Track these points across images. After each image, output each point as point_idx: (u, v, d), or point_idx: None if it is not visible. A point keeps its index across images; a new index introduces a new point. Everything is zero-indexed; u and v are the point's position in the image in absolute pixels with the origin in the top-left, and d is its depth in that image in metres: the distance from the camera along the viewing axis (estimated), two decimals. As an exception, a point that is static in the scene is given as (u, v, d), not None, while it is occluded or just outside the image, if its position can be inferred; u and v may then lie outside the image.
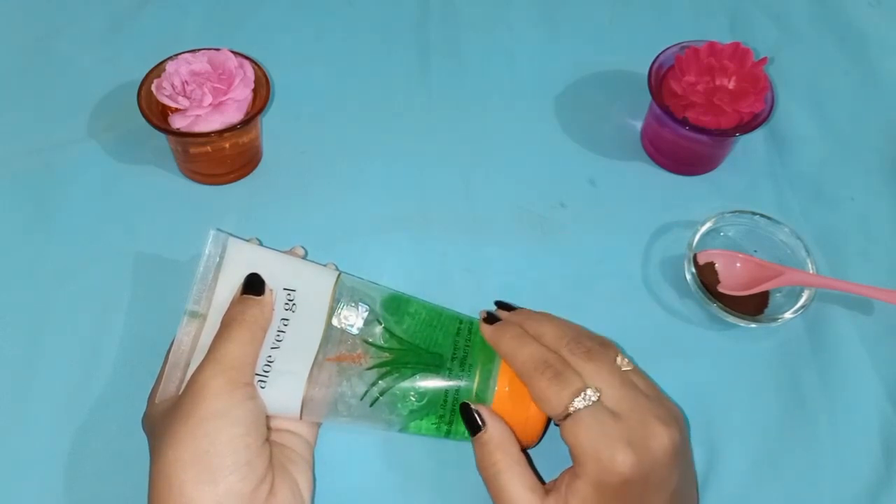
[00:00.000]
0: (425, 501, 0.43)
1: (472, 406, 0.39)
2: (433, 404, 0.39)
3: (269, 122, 0.57)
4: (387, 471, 0.43)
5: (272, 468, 0.37)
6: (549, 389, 0.37)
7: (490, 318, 0.41)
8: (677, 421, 0.38)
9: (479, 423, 0.38)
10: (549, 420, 0.40)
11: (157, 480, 0.34)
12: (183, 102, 0.49)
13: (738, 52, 0.52)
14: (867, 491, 0.44)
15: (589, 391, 0.37)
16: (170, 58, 0.51)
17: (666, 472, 0.36)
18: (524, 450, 0.39)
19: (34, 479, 0.42)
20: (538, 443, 0.41)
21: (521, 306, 0.43)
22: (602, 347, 0.39)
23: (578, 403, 0.36)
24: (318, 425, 0.43)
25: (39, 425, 0.44)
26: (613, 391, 0.37)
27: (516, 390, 0.39)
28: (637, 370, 0.40)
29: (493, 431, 0.38)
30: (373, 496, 0.43)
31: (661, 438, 0.36)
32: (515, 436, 0.39)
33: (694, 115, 0.52)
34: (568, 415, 0.36)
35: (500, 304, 0.43)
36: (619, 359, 0.39)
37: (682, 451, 0.38)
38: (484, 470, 0.38)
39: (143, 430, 0.39)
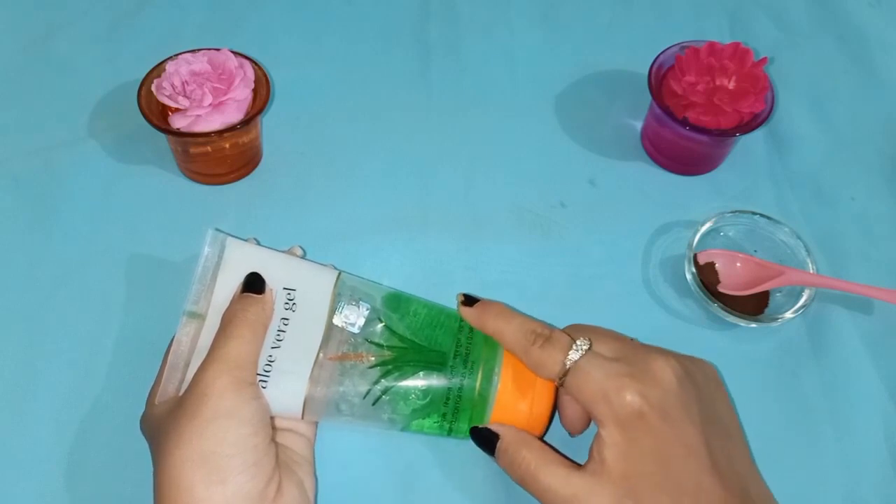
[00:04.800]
0: (425, 501, 0.43)
1: (478, 427, 0.39)
2: (436, 403, 0.39)
3: (269, 122, 0.57)
4: (387, 470, 0.43)
5: (278, 467, 0.37)
6: (543, 354, 0.38)
7: (468, 300, 0.41)
8: (683, 359, 0.39)
9: (490, 437, 0.39)
10: (553, 411, 0.40)
11: (164, 481, 0.34)
12: (183, 102, 0.49)
13: (738, 52, 0.52)
14: (875, 491, 0.44)
15: (578, 342, 0.38)
16: (170, 58, 0.51)
17: (681, 399, 0.37)
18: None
19: (34, 479, 0.42)
20: (544, 434, 0.41)
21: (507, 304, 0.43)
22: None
23: (573, 355, 0.37)
24: (317, 424, 0.43)
25: (39, 425, 0.44)
26: (605, 342, 0.39)
27: (519, 386, 0.39)
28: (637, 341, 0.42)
29: (507, 437, 0.38)
30: (373, 496, 0.43)
31: (660, 366, 0.37)
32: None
33: (694, 115, 0.52)
34: (566, 372, 0.37)
35: (466, 301, 0.42)
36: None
37: (690, 382, 0.38)
38: (515, 472, 0.38)
39: (142, 432, 0.39)
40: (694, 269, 0.49)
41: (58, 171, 0.54)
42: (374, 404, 0.39)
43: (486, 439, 0.39)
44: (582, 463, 0.37)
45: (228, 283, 0.40)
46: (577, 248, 0.53)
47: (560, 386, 0.38)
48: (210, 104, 0.48)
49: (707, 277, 0.50)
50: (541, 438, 0.41)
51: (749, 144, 0.59)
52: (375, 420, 0.40)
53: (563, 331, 0.40)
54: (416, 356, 0.39)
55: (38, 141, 0.55)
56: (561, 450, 0.40)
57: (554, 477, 0.36)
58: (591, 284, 0.51)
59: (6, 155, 0.55)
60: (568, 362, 0.37)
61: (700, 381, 0.39)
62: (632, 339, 0.41)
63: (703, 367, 0.41)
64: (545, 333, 0.39)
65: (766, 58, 0.52)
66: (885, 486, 0.44)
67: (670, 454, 0.36)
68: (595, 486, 0.35)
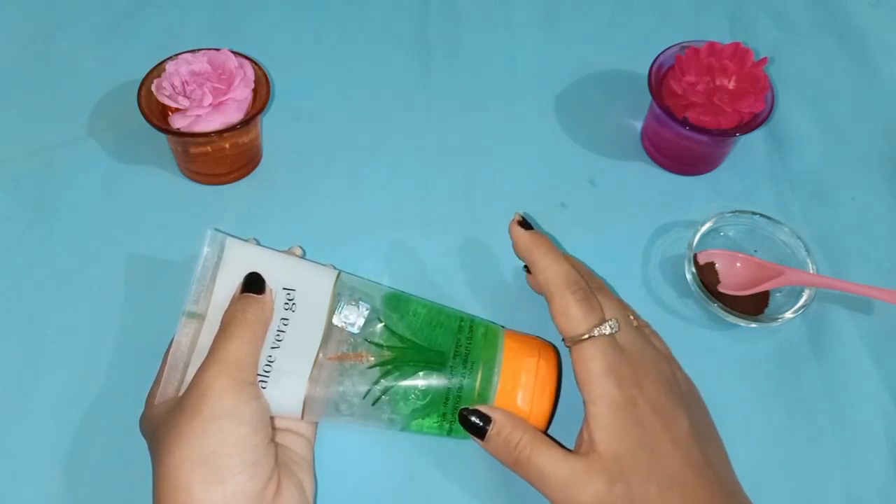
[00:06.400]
0: (425, 501, 0.43)
1: (468, 408, 0.39)
2: (435, 403, 0.39)
3: (269, 122, 0.57)
4: (387, 470, 0.43)
5: (278, 467, 0.37)
6: (577, 309, 0.38)
7: (525, 224, 0.42)
8: (678, 373, 0.43)
9: (483, 421, 0.38)
10: (553, 412, 0.40)
11: (163, 481, 0.34)
12: (183, 102, 0.49)
13: (738, 52, 0.52)
14: (875, 491, 0.44)
15: (612, 322, 0.39)
16: (170, 58, 0.51)
17: (672, 400, 0.39)
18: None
19: (34, 479, 0.42)
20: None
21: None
22: (608, 291, 0.43)
23: (602, 329, 0.38)
24: (317, 424, 0.43)
25: (39, 425, 0.44)
26: (627, 331, 0.40)
27: (519, 387, 0.39)
28: (650, 327, 0.45)
29: (501, 419, 0.38)
30: (373, 496, 0.43)
31: (663, 370, 0.40)
32: None
33: (694, 115, 0.52)
34: (585, 339, 0.38)
35: (523, 223, 0.43)
36: (631, 316, 0.42)
37: (683, 390, 0.41)
38: (508, 455, 0.38)
39: (142, 432, 0.39)
40: (694, 269, 0.49)
41: (58, 171, 0.54)
42: (373, 404, 0.39)
43: (477, 423, 0.38)
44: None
45: (228, 283, 0.40)
46: (577, 248, 0.52)
47: (568, 346, 0.39)
48: (210, 104, 0.49)
49: (707, 277, 0.50)
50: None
51: (749, 144, 0.59)
52: (375, 420, 0.40)
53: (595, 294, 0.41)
54: (415, 356, 0.39)
55: (38, 141, 0.55)
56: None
57: (548, 458, 0.37)
58: (591, 284, 0.51)
59: (6, 155, 0.55)
60: (595, 332, 0.38)
61: (692, 391, 0.43)
62: (645, 328, 0.44)
63: (691, 382, 0.44)
64: (586, 290, 0.39)
65: (766, 58, 0.52)
66: (885, 486, 0.44)
67: (659, 445, 0.37)
68: (589, 466, 0.36)
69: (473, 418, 0.39)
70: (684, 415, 0.38)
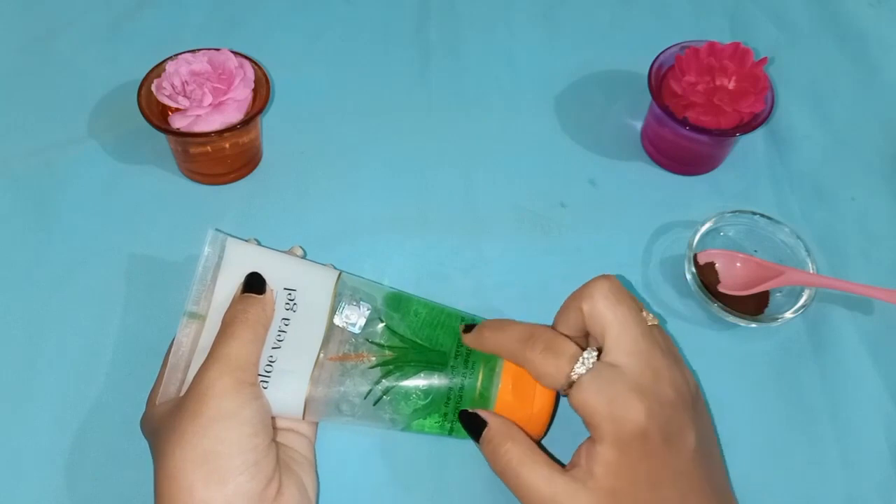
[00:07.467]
0: (425, 501, 0.43)
1: (469, 410, 0.39)
2: (437, 403, 0.39)
3: (269, 122, 0.57)
4: (387, 470, 0.43)
5: (279, 468, 0.37)
6: (545, 362, 0.36)
7: (468, 327, 0.40)
8: (688, 377, 0.38)
9: (480, 422, 0.38)
10: (554, 411, 0.40)
11: (164, 481, 0.34)
12: (183, 102, 0.49)
13: (738, 52, 0.52)
14: (876, 490, 0.44)
15: (586, 354, 0.36)
16: (170, 58, 0.51)
17: (684, 420, 0.36)
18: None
19: (34, 479, 0.42)
20: (545, 435, 0.41)
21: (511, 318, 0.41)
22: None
23: (579, 369, 0.35)
24: (317, 423, 0.43)
25: (39, 425, 0.44)
26: (623, 338, 0.36)
27: (520, 387, 0.39)
28: (661, 328, 0.39)
29: (496, 424, 0.38)
30: (373, 496, 0.43)
31: (674, 380, 0.36)
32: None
33: (694, 115, 0.52)
34: (572, 383, 0.36)
35: (466, 329, 0.41)
36: (643, 313, 0.38)
37: (696, 400, 0.37)
38: (496, 464, 0.37)
39: (143, 432, 0.39)
40: (694, 269, 0.49)
41: (58, 171, 0.54)
42: (375, 404, 0.39)
43: (474, 424, 0.38)
44: (566, 463, 0.37)
45: (229, 283, 0.40)
46: (577, 248, 0.53)
47: (563, 395, 0.37)
48: (210, 104, 0.49)
49: (707, 277, 0.50)
50: (541, 439, 0.41)
51: (749, 144, 0.59)
52: (376, 420, 0.40)
53: (563, 332, 0.38)
54: (417, 356, 0.39)
55: (38, 141, 0.55)
56: (559, 453, 0.40)
57: (535, 475, 0.35)
58: (592, 284, 0.51)
59: (6, 155, 0.55)
60: (574, 376, 0.35)
61: (697, 393, 0.39)
62: (653, 323, 0.38)
63: (694, 380, 0.40)
64: (544, 337, 0.37)
65: (766, 58, 0.52)
66: (885, 485, 0.44)
67: (663, 477, 0.35)
68: (578, 493, 0.34)
69: (471, 419, 0.38)
70: (692, 431, 0.36)
